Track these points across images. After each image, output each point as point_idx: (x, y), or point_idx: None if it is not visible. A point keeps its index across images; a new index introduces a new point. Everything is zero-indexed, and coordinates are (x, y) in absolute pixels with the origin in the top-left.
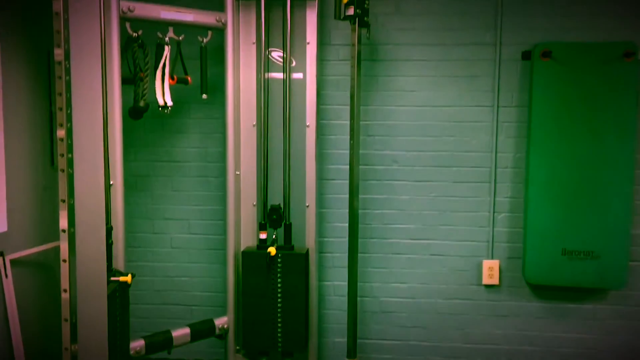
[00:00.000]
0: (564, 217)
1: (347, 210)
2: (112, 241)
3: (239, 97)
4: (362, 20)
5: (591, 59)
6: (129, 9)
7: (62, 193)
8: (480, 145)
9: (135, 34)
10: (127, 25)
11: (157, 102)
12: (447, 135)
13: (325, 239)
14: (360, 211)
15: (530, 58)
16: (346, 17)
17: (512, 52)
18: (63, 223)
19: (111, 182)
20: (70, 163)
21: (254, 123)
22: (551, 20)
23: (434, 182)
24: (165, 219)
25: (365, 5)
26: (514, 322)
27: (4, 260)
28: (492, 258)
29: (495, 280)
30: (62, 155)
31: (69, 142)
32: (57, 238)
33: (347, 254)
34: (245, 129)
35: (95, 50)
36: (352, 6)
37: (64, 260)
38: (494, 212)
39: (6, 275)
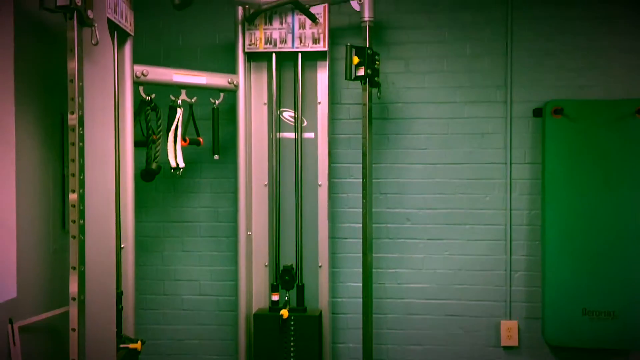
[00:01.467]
0: (583, 276)
1: (361, 270)
2: (122, 306)
3: (250, 157)
4: (372, 80)
5: (603, 115)
6: (142, 73)
7: (73, 260)
8: (494, 202)
9: (148, 98)
10: (141, 89)
11: (170, 163)
12: (460, 193)
13: (339, 299)
14: (373, 270)
15: (542, 115)
16: (357, 78)
17: (523, 110)
18: (73, 290)
19: (122, 245)
20: (82, 229)
21: (266, 183)
22: (561, 77)
23: (448, 240)
24: (175, 280)
25: (376, 66)
26: None
27: (12, 327)
28: (510, 318)
29: (514, 342)
30: (74, 221)
31: (81, 208)
32: (67, 302)
33: (361, 315)
34: (257, 189)
35: (108, 115)
36: (363, 67)
37: (73, 329)
38: (510, 271)
39: (14, 343)
